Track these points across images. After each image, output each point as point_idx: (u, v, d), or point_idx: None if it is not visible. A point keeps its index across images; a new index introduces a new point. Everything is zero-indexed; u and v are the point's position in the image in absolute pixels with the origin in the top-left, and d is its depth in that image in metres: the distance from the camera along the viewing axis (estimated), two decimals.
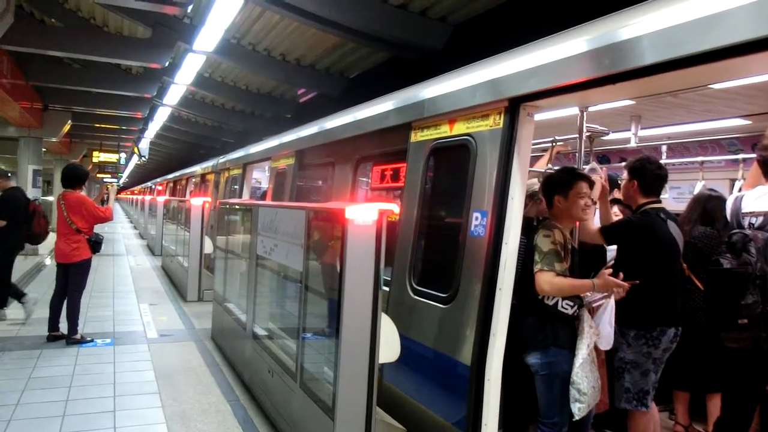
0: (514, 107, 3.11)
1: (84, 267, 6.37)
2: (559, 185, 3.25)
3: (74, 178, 6.47)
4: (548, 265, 3.05)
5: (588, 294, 3.20)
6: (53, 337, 6.34)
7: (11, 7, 6.61)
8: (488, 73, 3.30)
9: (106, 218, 6.56)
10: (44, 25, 10.87)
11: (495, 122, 3.20)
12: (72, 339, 6.27)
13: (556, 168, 3.71)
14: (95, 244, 6.43)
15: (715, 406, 4.14)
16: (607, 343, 3.19)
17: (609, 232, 3.50)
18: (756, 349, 3.15)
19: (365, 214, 3.04)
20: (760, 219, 3.40)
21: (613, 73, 2.54)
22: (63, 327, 6.41)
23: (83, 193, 6.73)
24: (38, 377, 5.16)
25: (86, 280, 6.56)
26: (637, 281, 3.13)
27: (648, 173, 3.54)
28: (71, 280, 6.33)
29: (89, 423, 4.21)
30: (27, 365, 5.46)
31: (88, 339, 6.41)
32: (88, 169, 7.27)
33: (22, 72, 11.46)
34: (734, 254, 3.25)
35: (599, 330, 3.14)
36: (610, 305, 3.18)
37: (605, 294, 3.18)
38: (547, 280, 3.03)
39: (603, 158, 6.87)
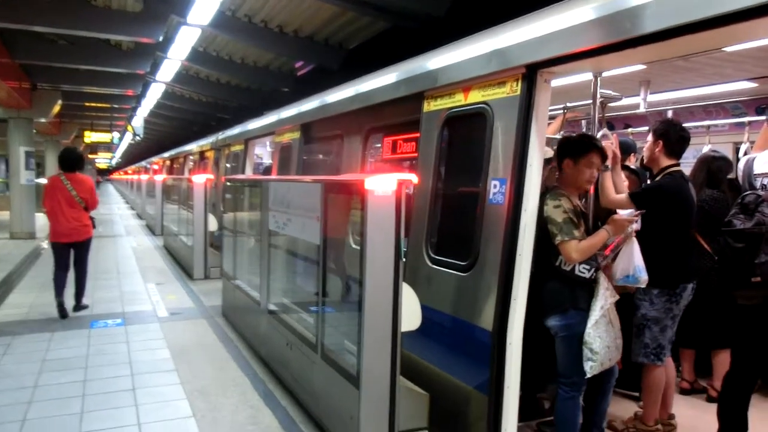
0: (531, 74, 3.09)
1: (90, 242, 6.92)
2: (573, 149, 3.29)
3: (78, 161, 6.93)
4: (568, 235, 3.12)
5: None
6: (60, 303, 6.65)
7: None
8: (504, 40, 3.27)
9: (95, 205, 7.04)
10: None
11: (512, 89, 3.18)
12: (81, 306, 6.89)
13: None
14: (93, 222, 6.95)
15: (720, 362, 4.29)
16: (645, 279, 3.31)
17: (640, 197, 3.54)
18: (767, 306, 3.24)
19: (385, 184, 3.05)
20: None
21: (633, 37, 2.52)
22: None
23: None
24: (52, 359, 5.20)
25: None
26: (644, 210, 3.32)
27: (673, 135, 3.65)
28: (82, 257, 6.79)
29: (110, 402, 4.27)
30: (39, 348, 5.50)
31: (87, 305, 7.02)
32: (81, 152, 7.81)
33: (8, 50, 11.21)
34: (747, 215, 3.33)
35: (634, 266, 3.26)
36: (635, 244, 3.29)
37: (623, 237, 3.29)
38: (574, 248, 3.11)
39: (608, 125, 6.87)
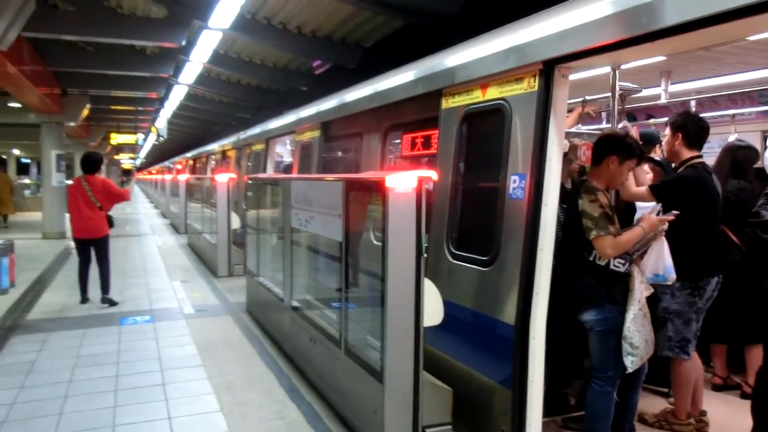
0: (548, 69, 3.10)
1: (108, 239, 7.47)
2: (623, 148, 3.29)
3: (95, 163, 7.45)
4: (604, 230, 3.14)
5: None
6: (85, 299, 7.40)
7: None
8: (521, 36, 3.28)
9: (124, 197, 7.78)
10: (57, 10, 10.87)
11: (530, 85, 3.20)
12: (107, 299, 7.32)
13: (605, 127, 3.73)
14: (111, 220, 7.50)
15: (754, 357, 4.20)
16: (673, 278, 3.31)
17: (660, 189, 3.54)
18: None
19: (405, 182, 3.09)
20: None
21: (652, 30, 2.51)
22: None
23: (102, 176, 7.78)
24: (86, 355, 5.36)
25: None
26: (678, 212, 3.26)
27: (691, 126, 3.62)
28: (101, 253, 7.35)
29: (141, 396, 4.40)
30: (73, 344, 5.68)
31: (117, 302, 7.42)
32: (102, 154, 8.34)
33: (41, 59, 11.54)
34: None
35: (664, 266, 3.26)
36: (664, 244, 3.29)
37: (652, 235, 3.28)
38: (609, 244, 3.13)
39: (629, 116, 6.81)
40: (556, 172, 3.12)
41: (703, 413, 3.87)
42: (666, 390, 4.24)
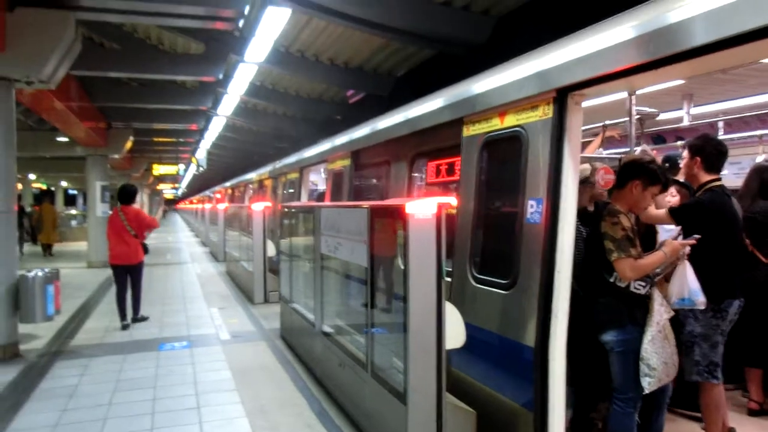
0: (562, 97, 3.19)
1: (143, 265, 8.07)
2: (647, 174, 3.34)
3: (130, 194, 8.01)
4: (625, 252, 3.18)
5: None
6: (125, 325, 7.74)
7: (79, 35, 7.08)
8: (535, 66, 3.38)
9: (153, 225, 8.40)
10: (104, 49, 11.49)
11: (544, 112, 3.29)
12: (138, 318, 7.99)
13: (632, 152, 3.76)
14: (146, 247, 8.09)
15: None
16: (702, 301, 3.30)
17: (679, 213, 3.55)
18: None
19: (425, 208, 3.20)
20: None
21: (663, 56, 2.57)
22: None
23: (137, 206, 8.37)
24: (125, 379, 5.55)
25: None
26: (699, 236, 3.27)
27: (710, 149, 3.61)
28: (136, 277, 7.93)
29: (177, 419, 4.54)
30: (113, 369, 5.88)
31: (147, 316, 8.10)
32: (136, 186, 8.93)
33: (87, 95, 12.19)
34: None
35: (689, 290, 3.27)
36: (688, 267, 3.30)
37: (674, 260, 3.30)
38: (630, 266, 3.18)
39: (658, 138, 6.79)
40: (572, 196, 3.18)
41: (732, 430, 3.79)
42: (699, 415, 4.16)
